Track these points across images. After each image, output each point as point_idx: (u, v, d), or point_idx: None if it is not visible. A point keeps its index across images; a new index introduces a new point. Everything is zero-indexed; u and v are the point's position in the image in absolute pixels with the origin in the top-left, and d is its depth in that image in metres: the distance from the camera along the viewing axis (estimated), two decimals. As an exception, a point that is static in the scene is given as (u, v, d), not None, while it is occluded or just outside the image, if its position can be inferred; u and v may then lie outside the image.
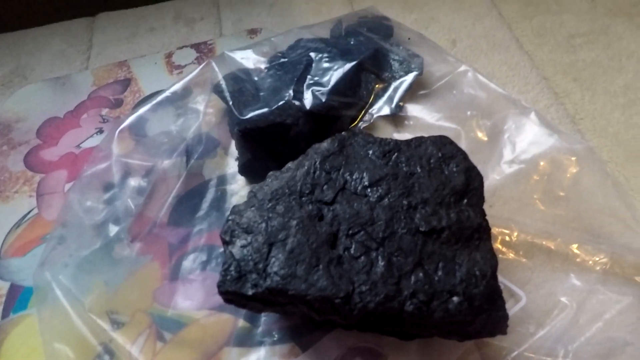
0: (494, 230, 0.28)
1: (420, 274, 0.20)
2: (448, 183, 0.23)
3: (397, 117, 0.32)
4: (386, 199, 0.22)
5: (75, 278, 0.28)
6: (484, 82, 0.31)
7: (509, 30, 0.39)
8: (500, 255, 0.27)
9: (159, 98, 0.32)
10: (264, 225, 0.21)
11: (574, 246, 0.27)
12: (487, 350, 0.24)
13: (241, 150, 0.31)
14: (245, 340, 0.26)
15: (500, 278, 0.26)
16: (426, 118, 0.32)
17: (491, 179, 0.29)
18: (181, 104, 0.33)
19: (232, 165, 0.32)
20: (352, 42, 0.31)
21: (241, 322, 0.26)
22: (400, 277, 0.20)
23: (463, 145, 0.30)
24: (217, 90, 0.33)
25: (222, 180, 0.32)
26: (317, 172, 0.23)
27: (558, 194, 0.28)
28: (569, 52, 0.37)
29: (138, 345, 0.26)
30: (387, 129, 0.32)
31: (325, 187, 0.23)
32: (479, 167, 0.28)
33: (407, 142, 0.25)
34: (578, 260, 0.26)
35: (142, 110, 0.31)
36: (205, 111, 0.33)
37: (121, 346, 0.26)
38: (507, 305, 0.25)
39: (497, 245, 0.27)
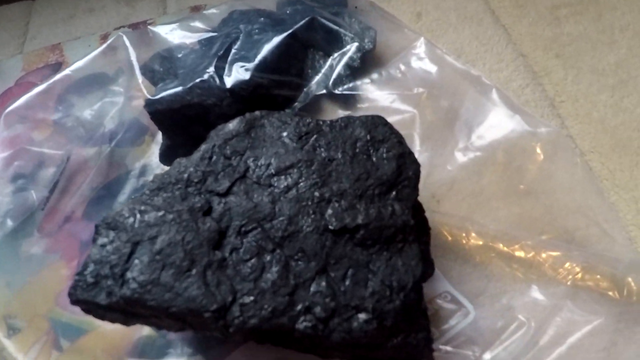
0: (446, 231, 0.23)
1: (323, 283, 0.16)
2: (374, 172, 0.19)
3: (349, 99, 0.28)
4: (294, 190, 0.18)
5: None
6: (443, 57, 0.27)
7: (483, 1, 0.34)
8: (451, 261, 0.23)
9: (71, 72, 0.28)
10: (131, 220, 0.17)
11: (540, 252, 0.22)
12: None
13: (163, 136, 0.27)
14: (149, 351, 0.23)
15: (448, 287, 0.22)
16: (380, 99, 0.28)
17: (446, 170, 0.25)
18: (102, 84, 0.30)
19: (157, 154, 0.29)
20: (287, 12, 0.27)
21: (146, 331, 0.23)
22: (296, 287, 0.16)
23: (418, 129, 0.26)
24: (145, 70, 0.29)
25: (145, 170, 0.29)
26: (215, 157, 0.19)
27: (522, 189, 0.24)
28: (553, 24, 0.32)
29: (31, 356, 0.23)
30: (334, 112, 0.28)
31: (220, 174, 0.19)
32: (433, 157, 0.24)
33: (332, 123, 0.20)
34: (544, 269, 0.22)
35: (50, 86, 0.28)
36: (130, 95, 0.30)
37: (11, 356, 0.23)
38: (452, 322, 0.21)
39: (448, 249, 0.23)
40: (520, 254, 0.22)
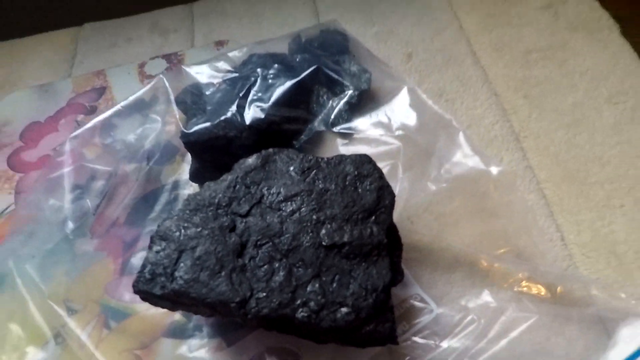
0: (420, 245, 0.29)
1: (317, 285, 0.22)
2: (359, 201, 0.25)
3: (346, 132, 0.34)
4: (297, 214, 0.24)
5: (40, 268, 0.31)
6: (424, 101, 0.32)
7: (467, 44, 0.39)
8: (422, 270, 0.28)
9: (122, 107, 0.35)
10: (177, 233, 0.23)
11: (495, 264, 0.28)
12: (396, 357, 0.25)
13: (192, 159, 0.33)
14: (179, 333, 0.28)
15: (418, 290, 0.28)
16: (372, 133, 0.34)
17: (422, 195, 0.30)
18: (144, 113, 0.36)
19: (187, 172, 0.35)
20: (297, 60, 0.33)
21: (177, 317, 0.29)
22: (297, 287, 0.22)
23: (401, 161, 0.32)
24: (178, 102, 0.35)
25: (177, 185, 0.35)
26: (238, 186, 0.25)
27: (485, 212, 0.29)
28: (524, 67, 0.37)
29: (87, 331, 0.29)
30: (334, 142, 0.34)
31: (242, 200, 0.25)
32: (412, 184, 0.30)
33: (328, 160, 0.26)
34: (496, 278, 0.27)
35: (106, 117, 0.34)
36: (165, 121, 0.36)
37: (72, 331, 0.29)
38: (420, 318, 0.27)
39: (421, 260, 0.29)
40: (478, 265, 0.28)
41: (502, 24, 0.40)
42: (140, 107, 0.38)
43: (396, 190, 0.31)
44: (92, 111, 0.40)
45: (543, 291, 0.26)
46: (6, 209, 0.36)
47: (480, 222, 0.29)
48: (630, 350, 0.23)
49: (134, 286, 0.22)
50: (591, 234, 0.29)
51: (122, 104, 0.34)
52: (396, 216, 0.30)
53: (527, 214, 0.29)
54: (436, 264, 0.29)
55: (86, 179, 0.35)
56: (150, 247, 0.23)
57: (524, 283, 0.27)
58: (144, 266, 0.22)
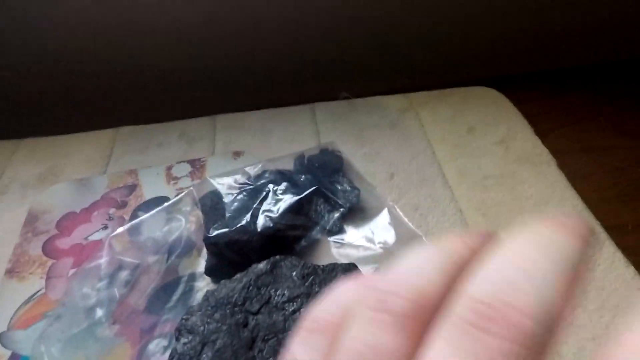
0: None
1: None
2: (347, 303, 0.31)
3: (338, 241, 0.41)
4: (298, 313, 0.30)
5: (64, 351, 0.35)
6: (401, 219, 0.40)
7: (438, 167, 0.49)
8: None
9: (153, 211, 0.42)
10: (202, 328, 0.29)
11: None
12: None
13: (209, 256, 0.39)
14: None
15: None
16: (361, 241, 0.41)
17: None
18: (171, 215, 0.43)
19: (202, 265, 0.41)
20: (301, 179, 0.41)
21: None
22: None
23: (382, 265, 0.39)
24: (199, 205, 0.43)
25: (192, 277, 0.40)
26: (251, 288, 0.31)
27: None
28: (482, 190, 0.46)
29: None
30: (328, 246, 0.41)
31: (254, 300, 0.31)
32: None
33: (323, 268, 0.33)
34: None
35: (137, 219, 0.41)
36: (188, 219, 0.43)
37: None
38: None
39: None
40: None
41: (465, 154, 0.50)
42: (162, 199, 0.45)
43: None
44: (123, 205, 0.47)
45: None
46: (37, 292, 0.41)
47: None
48: None
49: (162, 372, 0.27)
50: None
51: (151, 213, 0.41)
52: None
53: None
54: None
55: (114, 269, 0.40)
56: (177, 339, 0.29)
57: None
58: (172, 357, 0.28)
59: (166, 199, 0.46)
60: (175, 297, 0.39)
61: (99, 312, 0.37)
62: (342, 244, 0.41)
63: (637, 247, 0.45)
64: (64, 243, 0.44)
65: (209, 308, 0.30)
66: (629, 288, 0.38)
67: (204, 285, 0.40)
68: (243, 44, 0.77)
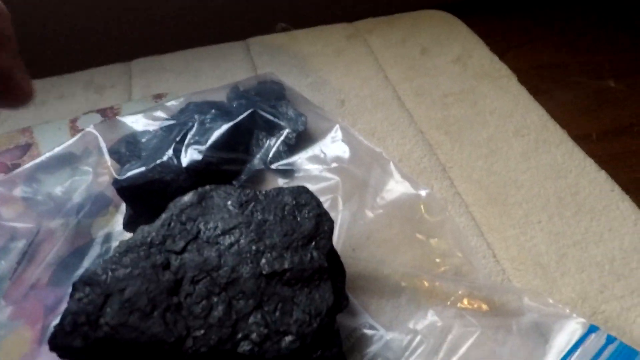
0: (365, 273, 0.29)
1: (259, 316, 0.21)
2: (298, 228, 0.25)
3: (287, 171, 0.35)
4: (236, 246, 0.24)
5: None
6: (356, 136, 0.35)
7: (392, 90, 0.44)
8: (370, 297, 0.28)
9: (47, 158, 0.33)
10: (104, 277, 0.21)
11: (437, 283, 0.29)
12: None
13: (126, 207, 0.32)
14: None
15: (367, 319, 0.27)
16: (312, 170, 0.35)
17: (361, 224, 0.31)
18: (74, 167, 0.35)
19: (121, 223, 0.33)
20: (234, 105, 0.34)
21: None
22: (237, 320, 0.21)
23: (340, 193, 0.33)
24: (112, 152, 0.34)
25: (109, 238, 0.32)
26: (172, 224, 0.24)
27: (423, 236, 0.30)
28: (442, 109, 0.42)
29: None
30: (274, 181, 0.35)
31: (177, 237, 0.24)
32: (352, 214, 0.31)
33: (266, 193, 0.27)
34: (440, 297, 0.28)
35: (28, 170, 0.32)
36: (97, 172, 0.34)
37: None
38: (371, 345, 0.26)
39: (368, 288, 0.29)
40: (421, 286, 0.29)
41: (421, 75, 0.45)
42: (70, 161, 0.36)
43: (338, 222, 0.31)
44: (14, 169, 0.38)
45: (483, 305, 0.27)
46: None
47: (419, 245, 0.30)
48: (565, 349, 0.24)
49: (49, 342, 0.20)
50: (517, 248, 0.31)
51: (47, 154, 0.32)
52: (340, 246, 0.30)
53: (459, 234, 0.30)
54: (382, 290, 0.29)
55: (3, 240, 0.31)
56: (71, 296, 0.21)
57: (465, 300, 0.28)
58: (63, 317, 0.20)
59: (70, 154, 0.38)
60: (87, 262, 0.31)
61: (-19, 293, 0.29)
62: (291, 177, 0.34)
63: (604, 155, 0.43)
64: (-64, 220, 0.34)
65: (116, 255, 0.23)
66: (603, 190, 0.35)
67: (124, 243, 0.32)
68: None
